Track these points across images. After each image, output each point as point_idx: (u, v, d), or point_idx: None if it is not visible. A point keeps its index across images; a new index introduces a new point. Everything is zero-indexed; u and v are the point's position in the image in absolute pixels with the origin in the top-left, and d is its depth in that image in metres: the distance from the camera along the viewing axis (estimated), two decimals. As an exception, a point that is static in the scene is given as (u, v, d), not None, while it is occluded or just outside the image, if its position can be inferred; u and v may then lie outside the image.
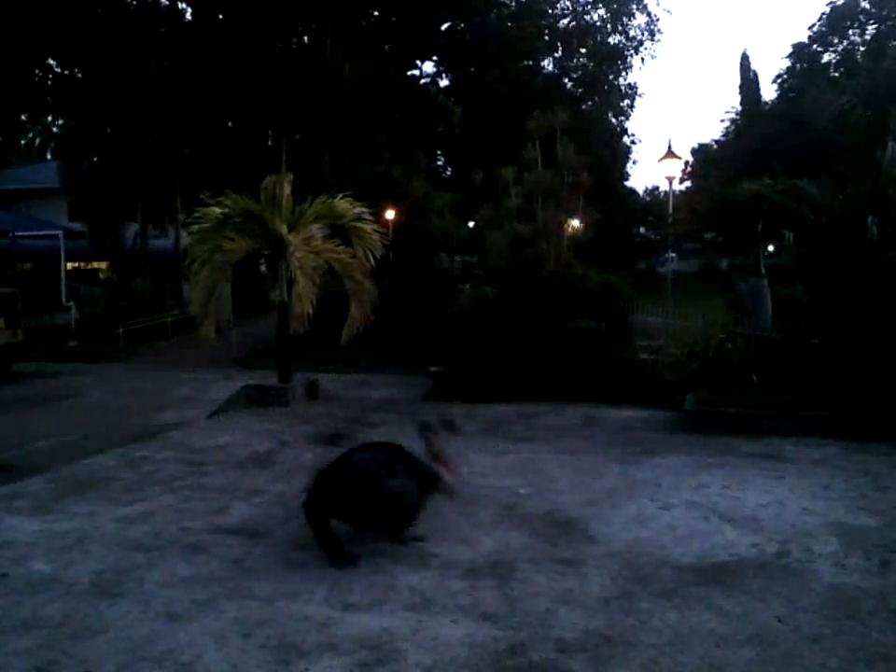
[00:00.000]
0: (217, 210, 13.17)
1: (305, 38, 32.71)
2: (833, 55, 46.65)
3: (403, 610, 4.84)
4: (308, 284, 12.65)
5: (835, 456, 8.71)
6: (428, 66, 41.55)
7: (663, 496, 7.25)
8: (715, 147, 61.69)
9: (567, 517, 6.64)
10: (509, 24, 38.69)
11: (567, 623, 4.64)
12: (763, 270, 14.95)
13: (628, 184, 52.89)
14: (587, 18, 44.42)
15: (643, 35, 44.59)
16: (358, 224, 13.48)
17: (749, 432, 9.78)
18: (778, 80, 51.26)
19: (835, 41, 46.91)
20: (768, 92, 55.41)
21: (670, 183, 17.86)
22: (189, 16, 31.08)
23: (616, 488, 7.60)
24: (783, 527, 6.30)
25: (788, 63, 49.99)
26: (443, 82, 41.54)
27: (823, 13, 46.88)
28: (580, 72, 44.95)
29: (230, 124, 31.39)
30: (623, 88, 46.00)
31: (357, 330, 13.53)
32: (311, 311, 12.85)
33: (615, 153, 43.95)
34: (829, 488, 7.44)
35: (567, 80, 44.86)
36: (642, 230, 54.18)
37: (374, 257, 13.47)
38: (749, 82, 55.24)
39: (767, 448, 9.13)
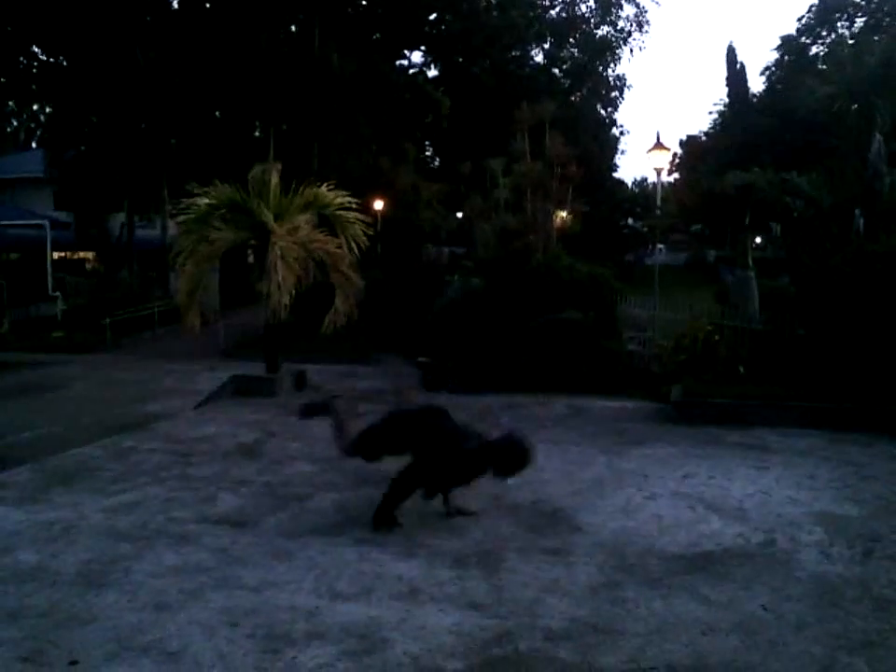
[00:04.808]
0: (205, 200, 13.11)
1: (293, 28, 32.57)
2: (822, 47, 46.79)
3: (391, 599, 4.85)
4: (289, 274, 12.57)
5: (820, 447, 8.77)
6: (416, 57, 41.51)
7: (649, 486, 7.28)
8: (703, 138, 61.83)
9: (554, 507, 6.66)
10: (495, 14, 38.61)
11: (554, 611, 4.66)
12: (751, 262, 15.02)
13: (617, 175, 53.10)
14: (576, 9, 44.42)
15: (631, 26, 44.71)
16: (342, 213, 13.45)
17: (736, 423, 9.83)
18: (766, 72, 51.42)
19: (824, 33, 47.03)
20: (756, 85, 55.54)
21: (658, 175, 17.87)
22: (175, 4, 30.87)
23: (603, 478, 7.63)
24: (768, 517, 6.34)
25: (776, 55, 50.15)
26: (431, 73, 41.52)
27: (812, 5, 47.02)
28: (568, 63, 44.97)
29: (217, 114, 31.22)
30: (611, 79, 46.07)
31: (341, 322, 13.49)
32: (289, 302, 12.77)
33: (603, 145, 44.04)
34: (814, 478, 7.50)
35: (555, 71, 44.86)
36: (630, 221, 54.34)
37: (359, 247, 13.42)
38: (735, 74, 55.33)
39: (753, 439, 9.18)
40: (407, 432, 6.32)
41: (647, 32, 45.58)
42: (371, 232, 14.46)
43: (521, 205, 17.34)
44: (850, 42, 40.10)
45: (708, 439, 9.27)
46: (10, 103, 35.79)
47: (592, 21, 44.75)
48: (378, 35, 35.25)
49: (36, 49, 29.87)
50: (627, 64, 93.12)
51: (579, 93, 44.36)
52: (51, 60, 30.34)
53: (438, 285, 19.11)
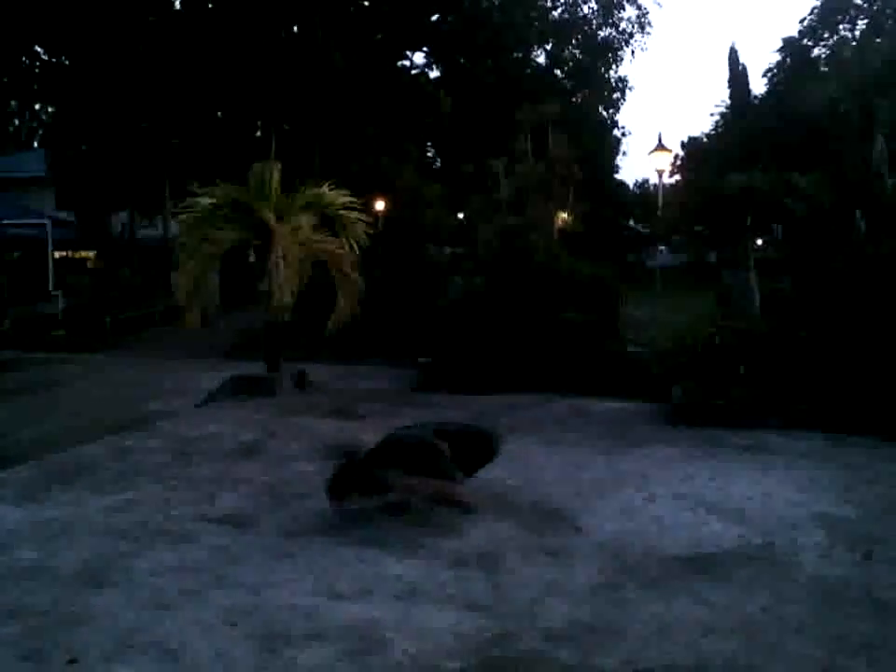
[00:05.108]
0: (207, 199, 13.11)
1: (295, 28, 32.57)
2: (824, 49, 46.75)
3: (390, 599, 4.84)
4: (290, 274, 12.57)
5: (821, 449, 8.76)
6: (419, 57, 41.48)
7: (649, 487, 7.27)
8: (705, 140, 61.77)
9: (554, 508, 6.65)
10: (497, 15, 38.58)
11: (553, 612, 4.66)
12: (752, 263, 14.99)
13: (618, 177, 53.04)
14: (577, 10, 44.42)
15: (633, 27, 44.67)
16: (344, 213, 13.45)
17: (736, 424, 9.81)
18: (768, 74, 51.36)
19: (826, 35, 46.98)
20: (758, 86, 55.49)
21: (660, 176, 17.87)
22: (178, 4, 30.89)
23: (603, 479, 7.61)
24: (769, 519, 6.33)
25: (778, 56, 50.11)
26: (433, 73, 41.49)
27: (814, 7, 46.97)
28: (570, 64, 44.93)
29: (219, 114, 31.24)
30: (613, 80, 46.01)
31: (344, 322, 13.49)
32: (291, 301, 12.77)
33: (605, 146, 44.00)
34: (814, 480, 7.48)
35: (557, 72, 44.85)
36: (631, 222, 54.32)
37: (360, 247, 13.42)
38: (737, 76, 55.30)
39: (754, 440, 9.17)
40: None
41: (649, 33, 45.54)
42: (373, 231, 14.46)
43: (522, 206, 17.32)
44: (853, 44, 40.10)
45: (709, 440, 9.25)
46: (12, 102, 35.86)
47: (594, 22, 44.73)
48: (380, 35, 35.24)
49: (39, 49, 29.90)
50: (629, 66, 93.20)
51: (580, 94, 44.32)
52: (53, 59, 30.37)
53: (439, 285, 19.06)
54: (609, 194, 43.52)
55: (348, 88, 28.33)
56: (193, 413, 11.35)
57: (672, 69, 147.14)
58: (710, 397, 10.50)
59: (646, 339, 14.65)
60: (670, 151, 18.27)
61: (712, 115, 62.74)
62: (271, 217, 12.80)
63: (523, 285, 14.00)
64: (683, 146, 63.03)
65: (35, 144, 41.20)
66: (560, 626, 4.48)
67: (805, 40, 47.78)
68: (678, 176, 61.88)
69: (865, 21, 44.74)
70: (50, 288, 26.15)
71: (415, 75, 38.71)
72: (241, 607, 4.72)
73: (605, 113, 46.49)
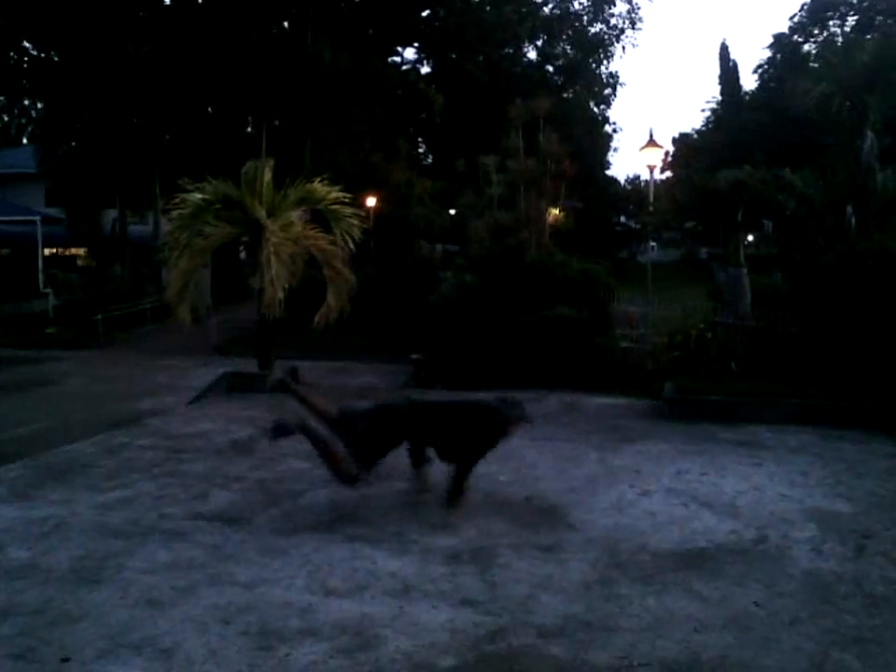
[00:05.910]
0: (198, 196, 13.07)
1: (286, 24, 32.48)
2: (814, 46, 46.92)
3: (384, 596, 4.84)
4: (282, 270, 12.54)
5: (813, 444, 8.80)
6: (410, 53, 41.44)
7: (642, 482, 7.29)
8: (696, 136, 61.95)
9: (548, 504, 6.66)
10: (488, 9, 38.58)
11: (547, 608, 4.67)
12: (743, 259, 15.03)
13: (609, 173, 53.18)
14: (568, 5, 44.45)
15: (624, 23, 44.76)
16: (336, 206, 13.43)
17: (728, 420, 9.85)
18: (759, 70, 51.55)
19: (816, 31, 47.18)
20: (749, 83, 55.74)
21: (651, 172, 17.87)
22: (167, 0, 30.77)
23: (596, 475, 7.63)
24: (761, 514, 6.36)
25: (769, 53, 50.29)
26: (424, 69, 41.47)
27: (804, 4, 47.16)
28: (561, 60, 44.97)
29: (209, 110, 31.14)
30: (604, 76, 46.11)
31: (333, 318, 13.45)
32: (283, 297, 12.74)
33: (596, 142, 44.07)
34: (806, 475, 7.52)
35: (548, 68, 44.88)
36: (623, 218, 54.44)
37: (353, 240, 13.39)
38: (728, 72, 55.49)
39: (746, 435, 9.20)
40: (424, 424, 6.51)
41: (639, 29, 45.86)
42: (366, 225, 14.45)
43: (514, 202, 17.36)
44: (841, 41, 40.24)
45: (701, 435, 9.28)
46: (1, 98, 35.63)
47: (585, 17, 44.80)
48: (371, 30, 35.16)
49: (27, 45, 29.72)
50: (620, 62, 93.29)
51: (572, 90, 44.36)
52: (43, 55, 30.19)
53: (431, 281, 19.09)
54: (600, 190, 43.65)
55: (339, 84, 28.27)
56: (185, 410, 11.31)
57: (663, 65, 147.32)
58: (702, 392, 10.54)
59: (638, 334, 14.69)
60: (661, 147, 18.26)
61: (703, 111, 63.07)
62: (262, 214, 12.78)
63: (514, 281, 14.03)
64: (674, 142, 63.27)
65: (25, 140, 40.98)
66: (554, 622, 4.48)
67: (796, 37, 47.99)
68: (669, 173, 62.08)
69: (855, 17, 44.90)
70: (40, 286, 26.05)
71: (406, 71, 38.66)
72: (234, 604, 4.71)
73: (596, 109, 46.58)
